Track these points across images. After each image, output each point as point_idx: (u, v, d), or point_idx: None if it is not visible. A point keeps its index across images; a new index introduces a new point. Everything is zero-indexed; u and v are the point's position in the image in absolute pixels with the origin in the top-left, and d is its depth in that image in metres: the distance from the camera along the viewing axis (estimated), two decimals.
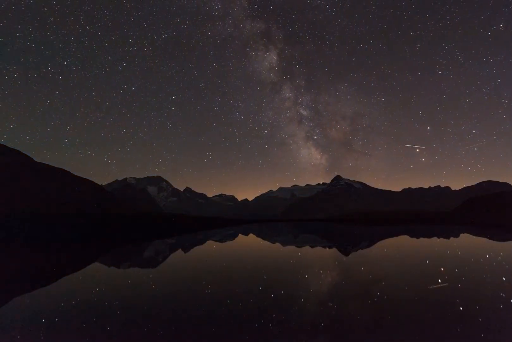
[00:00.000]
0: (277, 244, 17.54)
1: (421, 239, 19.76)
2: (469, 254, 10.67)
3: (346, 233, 29.15)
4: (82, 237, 27.13)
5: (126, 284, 6.83)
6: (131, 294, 5.77)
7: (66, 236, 29.67)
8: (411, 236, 22.04)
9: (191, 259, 11.01)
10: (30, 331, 3.95)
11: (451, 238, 19.97)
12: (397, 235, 23.68)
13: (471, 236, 22.31)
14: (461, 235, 23.30)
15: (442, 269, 7.72)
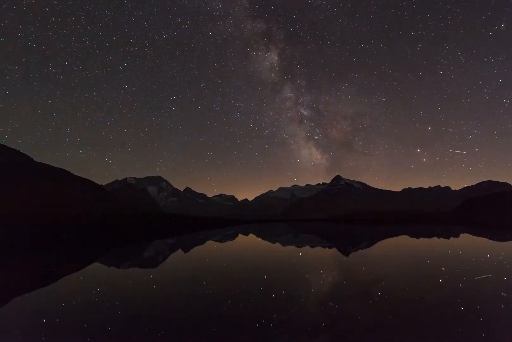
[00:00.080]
0: (277, 244, 17.53)
1: (421, 239, 19.75)
2: (469, 254, 10.66)
3: (346, 233, 29.14)
4: (82, 237, 27.13)
5: (126, 284, 6.83)
6: (131, 294, 5.77)
7: (66, 235, 29.67)
8: (411, 236, 22.04)
9: (191, 259, 11.00)
10: (30, 331, 3.95)
11: (451, 238, 19.97)
12: (397, 235, 23.68)
13: (471, 236, 22.31)
14: (461, 235, 23.30)
15: (442, 269, 7.72)
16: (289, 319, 4.12)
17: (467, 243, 15.90)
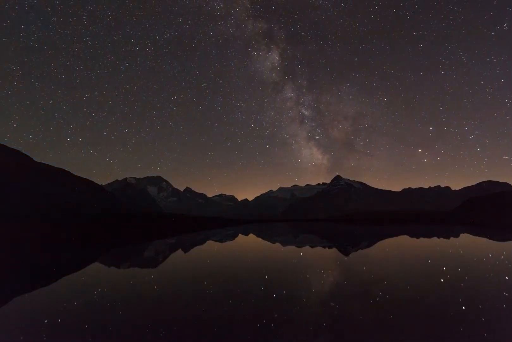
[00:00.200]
0: (277, 244, 17.53)
1: (421, 239, 19.75)
2: (469, 254, 10.66)
3: (346, 233, 29.15)
4: (82, 237, 27.13)
5: (126, 284, 6.83)
6: (131, 294, 5.77)
7: (66, 235, 29.66)
8: (411, 236, 22.04)
9: (191, 259, 11.00)
10: (30, 331, 3.95)
11: (451, 238, 19.97)
12: (397, 235, 23.68)
13: (471, 236, 22.31)
14: (461, 235, 23.30)
15: (442, 269, 7.71)
16: (290, 319, 4.12)
17: (467, 243, 15.90)
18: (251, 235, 27.48)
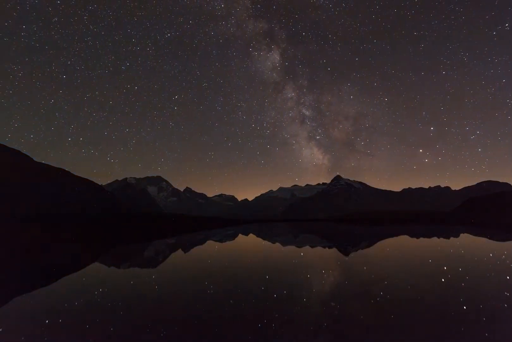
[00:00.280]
0: (277, 244, 17.53)
1: (421, 239, 19.75)
2: (469, 254, 10.66)
3: (346, 233, 29.14)
4: (82, 237, 27.12)
5: (126, 284, 6.83)
6: (131, 294, 5.77)
7: (66, 235, 29.66)
8: (411, 236, 22.04)
9: (191, 259, 11.00)
10: (30, 331, 3.95)
11: (451, 238, 19.96)
12: (397, 235, 23.67)
13: (471, 236, 22.31)
14: (461, 235, 23.29)
15: (442, 269, 7.71)
16: (291, 319, 4.12)
17: (467, 243, 15.90)
18: (251, 235, 27.47)
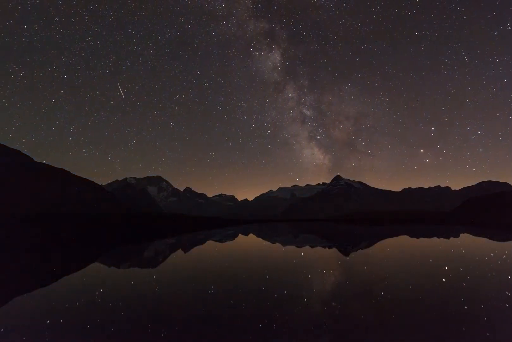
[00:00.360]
0: (277, 244, 17.53)
1: (421, 239, 19.75)
2: (469, 254, 10.66)
3: (346, 233, 29.14)
4: (82, 237, 27.12)
5: (126, 284, 6.83)
6: (131, 294, 5.77)
7: (66, 235, 29.65)
8: (411, 236, 22.03)
9: (191, 259, 11.00)
10: (30, 331, 3.94)
11: (451, 238, 19.96)
12: (397, 235, 23.67)
13: (471, 236, 22.31)
14: (461, 235, 23.29)
15: (442, 269, 7.71)
16: (292, 319, 4.12)
17: (467, 243, 15.90)
18: (251, 235, 27.47)
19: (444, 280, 6.33)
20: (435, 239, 19.41)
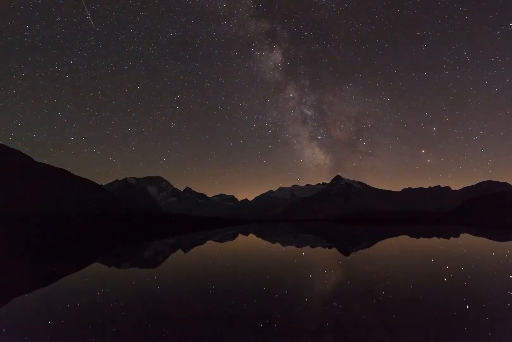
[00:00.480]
0: (277, 244, 17.53)
1: (421, 239, 19.75)
2: (469, 254, 10.66)
3: (346, 233, 29.14)
4: (82, 237, 27.12)
5: (127, 284, 6.82)
6: (131, 294, 5.77)
7: (66, 235, 29.64)
8: (411, 236, 22.03)
9: (191, 259, 11.00)
10: (30, 331, 3.94)
11: (451, 238, 19.96)
12: (397, 235, 23.67)
13: (471, 236, 22.31)
14: (461, 235, 23.29)
15: (442, 269, 7.71)
16: (293, 319, 4.11)
17: (467, 243, 15.90)
18: (251, 235, 27.47)
19: (444, 280, 6.33)
20: (435, 239, 19.41)
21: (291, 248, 14.79)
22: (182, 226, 53.30)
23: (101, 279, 7.54)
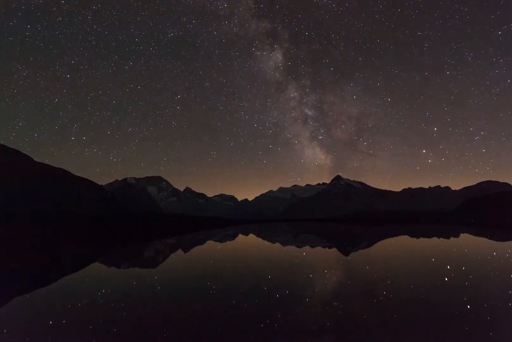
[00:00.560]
0: (277, 244, 17.53)
1: (421, 239, 19.75)
2: (469, 254, 10.66)
3: (346, 233, 29.15)
4: (82, 237, 27.13)
5: (127, 284, 6.82)
6: (131, 294, 5.76)
7: (66, 235, 29.65)
8: (411, 236, 22.04)
9: (192, 259, 11.00)
10: (30, 331, 3.94)
11: (451, 238, 19.97)
12: (397, 235, 23.68)
13: (471, 236, 22.31)
14: (461, 235, 23.29)
15: (442, 269, 7.71)
16: (293, 319, 4.11)
17: (467, 243, 15.90)
18: (251, 235, 27.47)
19: (444, 280, 6.32)
20: (435, 239, 19.41)
21: (291, 248, 14.79)
22: (182, 226, 53.31)
23: (101, 279, 7.54)
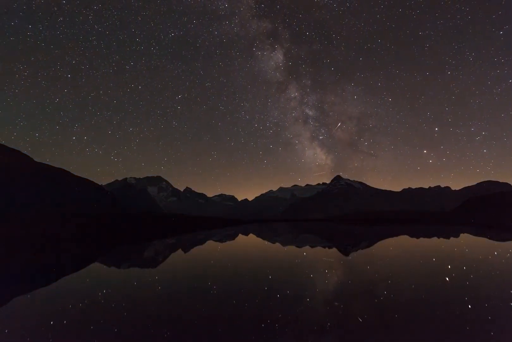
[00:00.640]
0: (277, 244, 17.53)
1: (421, 239, 19.75)
2: (470, 254, 10.66)
3: (346, 233, 29.15)
4: (82, 237, 27.13)
5: (127, 284, 6.82)
6: (131, 294, 5.76)
7: (65, 235, 29.65)
8: (411, 236, 22.04)
9: (192, 259, 11.00)
10: (30, 331, 3.94)
11: (451, 238, 19.97)
12: (397, 235, 23.67)
13: (471, 236, 22.31)
14: (461, 235, 23.30)
15: (442, 269, 7.71)
16: (294, 319, 4.11)
17: (467, 243, 15.90)
18: (251, 235, 27.47)
19: (444, 280, 6.33)
20: (435, 239, 19.41)
21: (291, 248, 14.79)
22: (182, 226, 53.31)
23: (101, 279, 7.54)
